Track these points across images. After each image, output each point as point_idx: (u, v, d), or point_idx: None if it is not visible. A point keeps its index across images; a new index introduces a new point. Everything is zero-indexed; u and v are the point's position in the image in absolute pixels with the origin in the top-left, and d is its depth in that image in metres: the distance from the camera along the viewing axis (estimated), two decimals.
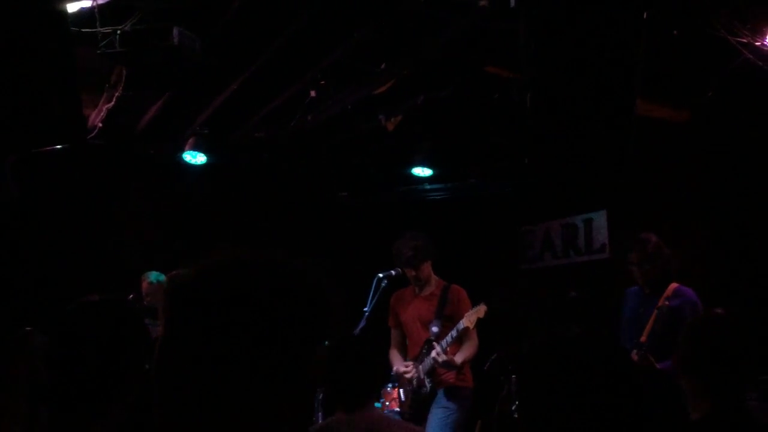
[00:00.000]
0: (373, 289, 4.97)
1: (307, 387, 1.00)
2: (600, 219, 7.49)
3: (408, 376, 4.91)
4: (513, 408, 5.28)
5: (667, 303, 4.42)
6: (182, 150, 6.98)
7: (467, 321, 4.78)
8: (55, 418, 1.65)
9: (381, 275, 5.02)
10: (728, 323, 2.43)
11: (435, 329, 4.90)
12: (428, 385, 4.86)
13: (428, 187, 8.06)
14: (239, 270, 1.01)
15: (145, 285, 6.40)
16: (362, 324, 4.79)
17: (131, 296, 6.46)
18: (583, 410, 1.38)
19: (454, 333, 4.81)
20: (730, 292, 5.90)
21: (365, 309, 4.88)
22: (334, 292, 1.05)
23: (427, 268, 5.03)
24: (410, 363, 4.94)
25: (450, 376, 4.92)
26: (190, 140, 6.91)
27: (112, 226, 7.38)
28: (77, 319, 1.71)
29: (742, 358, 2.34)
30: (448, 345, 4.79)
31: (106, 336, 1.69)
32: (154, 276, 6.46)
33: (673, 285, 4.61)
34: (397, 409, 5.35)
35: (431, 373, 4.86)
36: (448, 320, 4.93)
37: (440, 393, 4.91)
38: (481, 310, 4.81)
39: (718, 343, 2.35)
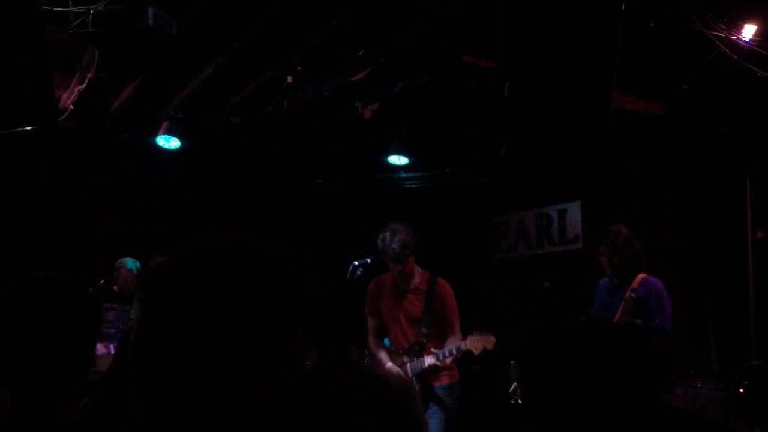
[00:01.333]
0: (348, 277, 4.95)
1: (287, 372, 0.98)
2: (574, 210, 7.55)
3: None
4: (510, 392, 5.27)
5: (633, 295, 4.47)
6: (156, 134, 6.90)
7: (472, 346, 4.61)
8: (18, 400, 1.59)
9: (356, 263, 4.99)
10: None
11: (425, 330, 4.77)
12: (415, 386, 4.77)
13: (404, 175, 8.06)
14: (217, 257, 1.00)
15: (123, 272, 6.33)
16: None
17: (102, 281, 6.39)
18: (588, 395, 1.38)
19: (454, 350, 4.67)
20: (700, 282, 6.00)
21: None
22: (311, 278, 1.04)
23: (412, 262, 4.86)
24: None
25: (445, 376, 4.82)
26: (164, 124, 6.82)
27: (82, 211, 7.28)
28: (25, 296, 1.64)
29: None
30: (445, 357, 4.66)
31: (57, 312, 1.62)
32: (130, 263, 6.40)
33: (641, 275, 4.68)
34: None
35: (420, 375, 4.79)
36: (436, 316, 4.81)
37: (439, 392, 4.79)
38: (489, 341, 4.62)
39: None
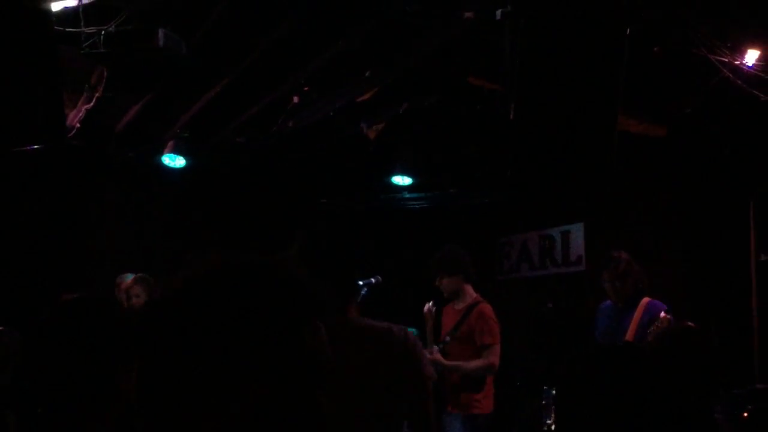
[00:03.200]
0: None
1: (303, 384, 0.97)
2: (577, 231, 7.56)
3: None
4: (548, 421, 5.26)
5: (667, 316, 4.40)
6: (161, 153, 6.92)
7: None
8: (48, 420, 1.61)
9: (361, 283, 4.99)
10: (701, 336, 2.53)
11: (447, 338, 5.01)
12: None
13: (407, 195, 8.08)
14: (227, 275, 0.98)
15: (123, 286, 6.31)
16: None
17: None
18: (628, 418, 1.38)
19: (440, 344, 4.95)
20: (703, 305, 5.99)
21: None
22: (322, 292, 1.04)
23: (449, 282, 5.07)
24: None
25: (473, 406, 4.87)
26: (170, 143, 6.85)
27: (88, 229, 7.29)
28: (60, 318, 1.67)
29: (709, 371, 2.42)
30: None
31: (92, 334, 1.65)
32: (130, 279, 6.38)
33: (645, 300, 4.65)
34: None
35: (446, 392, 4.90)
36: (467, 333, 4.95)
37: (458, 421, 4.86)
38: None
39: (690, 354, 2.44)
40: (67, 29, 3.97)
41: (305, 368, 0.97)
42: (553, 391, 5.14)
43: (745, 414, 4.80)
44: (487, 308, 5.03)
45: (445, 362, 4.84)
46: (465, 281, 5.10)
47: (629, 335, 4.49)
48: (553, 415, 5.17)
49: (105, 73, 5.23)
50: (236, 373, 0.92)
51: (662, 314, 4.39)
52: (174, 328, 0.95)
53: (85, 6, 3.92)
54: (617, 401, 1.40)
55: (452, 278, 5.04)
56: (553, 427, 5.12)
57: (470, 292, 5.13)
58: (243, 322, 0.94)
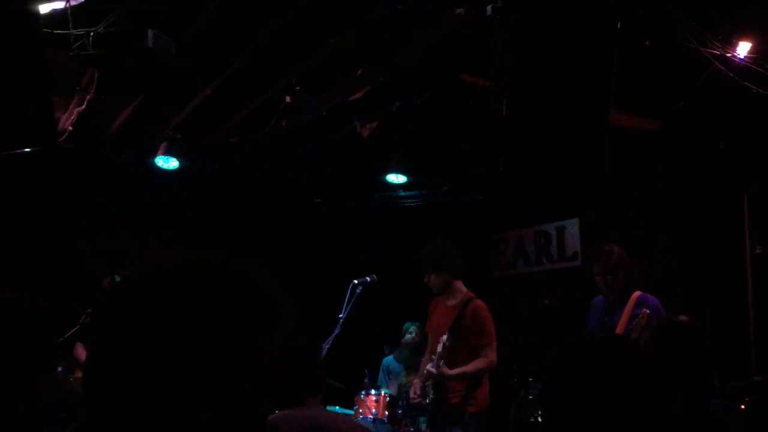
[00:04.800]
0: (348, 296, 4.94)
1: (250, 389, 0.95)
2: (572, 227, 7.56)
3: (415, 400, 4.97)
4: (530, 413, 5.28)
5: (647, 311, 4.38)
6: (154, 154, 6.91)
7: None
8: None
9: (356, 282, 4.99)
10: (692, 330, 2.56)
11: (446, 343, 4.88)
12: (430, 396, 4.84)
13: (402, 194, 8.07)
14: (168, 276, 0.97)
15: None
16: (337, 330, 4.76)
17: None
18: (611, 413, 1.37)
19: (439, 347, 4.83)
20: (699, 298, 6.00)
21: (340, 315, 4.85)
22: (287, 292, 1.01)
23: (437, 278, 4.99)
24: (419, 383, 4.99)
25: (464, 402, 4.86)
26: (163, 145, 6.84)
27: (81, 231, 7.27)
28: None
29: (703, 363, 2.45)
30: (440, 358, 4.82)
31: (4, 336, 1.60)
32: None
33: (637, 293, 4.63)
34: (371, 417, 5.34)
35: (434, 384, 4.86)
36: (464, 333, 4.89)
37: (455, 418, 4.85)
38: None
39: (684, 348, 2.47)
40: (55, 31, 3.95)
41: (250, 376, 0.95)
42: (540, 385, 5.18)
43: (743, 406, 4.81)
44: (480, 305, 4.97)
45: (451, 372, 4.81)
46: (454, 277, 5.03)
47: (620, 329, 4.47)
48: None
49: (96, 75, 5.22)
50: (175, 375, 0.90)
51: (643, 310, 4.37)
52: (117, 321, 0.94)
53: (74, 8, 3.90)
54: (600, 394, 1.39)
55: (440, 274, 4.97)
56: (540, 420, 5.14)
57: (460, 288, 5.07)
58: (189, 321, 0.92)
